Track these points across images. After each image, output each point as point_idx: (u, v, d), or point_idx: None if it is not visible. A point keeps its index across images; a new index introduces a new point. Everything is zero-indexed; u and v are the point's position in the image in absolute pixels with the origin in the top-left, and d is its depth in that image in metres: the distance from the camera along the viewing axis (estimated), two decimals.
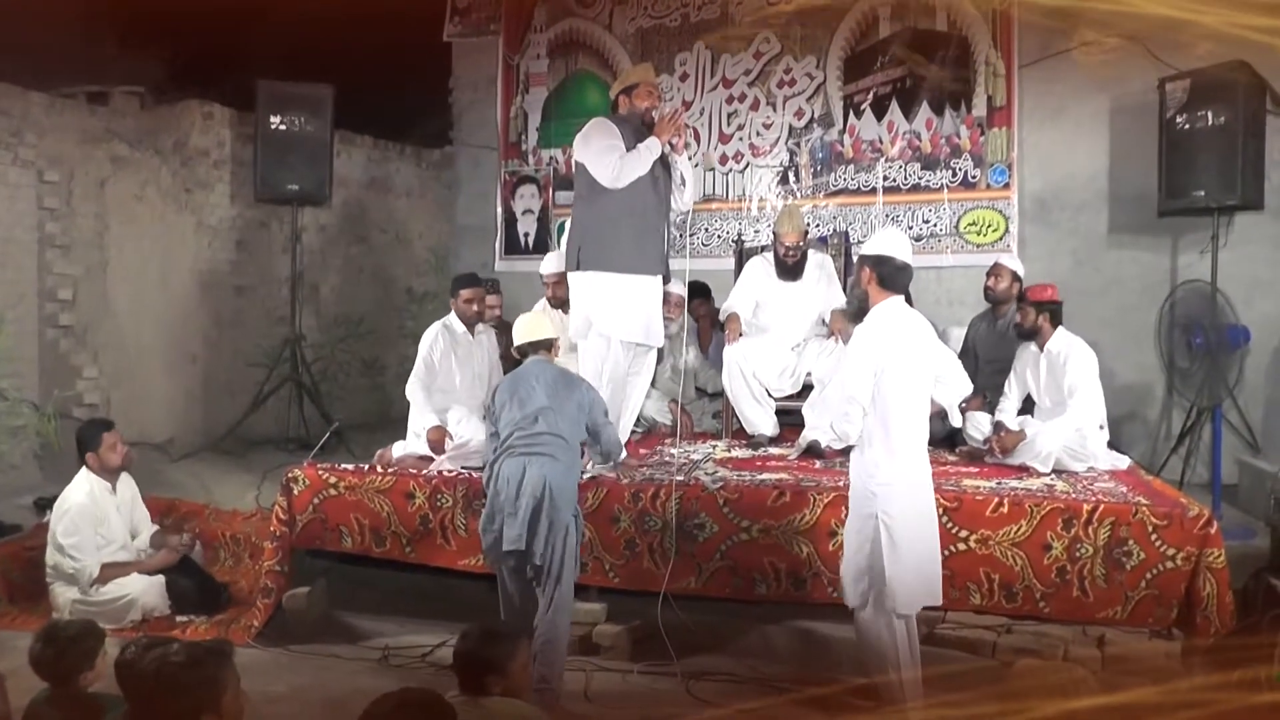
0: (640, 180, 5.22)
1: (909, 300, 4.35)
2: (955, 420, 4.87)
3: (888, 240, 4.17)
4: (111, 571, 5.23)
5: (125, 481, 5.52)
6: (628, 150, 5.17)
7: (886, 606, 3.94)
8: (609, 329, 5.19)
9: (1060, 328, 5.58)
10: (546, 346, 4.68)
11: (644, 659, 4.74)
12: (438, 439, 5.38)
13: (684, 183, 5.45)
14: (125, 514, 5.49)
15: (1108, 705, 2.85)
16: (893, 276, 4.08)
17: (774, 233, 6.39)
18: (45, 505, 6.03)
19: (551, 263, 6.41)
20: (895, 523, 3.94)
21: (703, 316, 7.05)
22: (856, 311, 4.25)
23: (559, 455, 4.38)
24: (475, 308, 5.83)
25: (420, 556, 5.17)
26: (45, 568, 5.28)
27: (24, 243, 6.62)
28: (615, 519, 4.92)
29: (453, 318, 5.81)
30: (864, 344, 4.04)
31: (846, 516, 4.27)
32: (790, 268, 6.21)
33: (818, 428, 5.74)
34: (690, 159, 5.84)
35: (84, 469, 5.36)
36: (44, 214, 6.73)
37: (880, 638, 3.98)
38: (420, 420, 5.50)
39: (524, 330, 4.69)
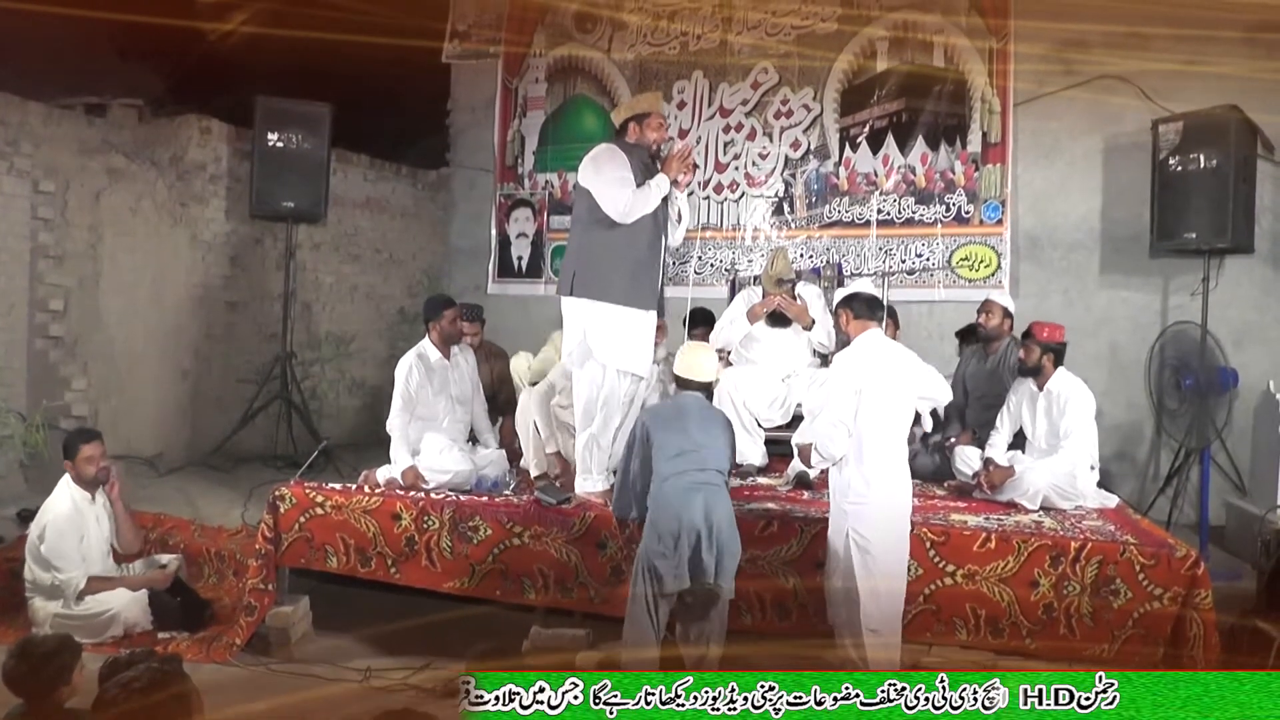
0: None
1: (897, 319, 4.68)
2: (926, 424, 5.03)
3: (853, 285, 4.81)
4: (98, 585, 5.18)
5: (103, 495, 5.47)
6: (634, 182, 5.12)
7: (859, 621, 4.19)
8: (605, 357, 5.14)
9: (1061, 368, 5.59)
10: (706, 388, 4.78)
11: None
12: (413, 482, 5.42)
13: (680, 219, 5.36)
14: (105, 526, 5.43)
15: None
16: (865, 307, 4.55)
17: (762, 286, 6.39)
18: (28, 517, 5.97)
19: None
20: (866, 541, 4.23)
21: None
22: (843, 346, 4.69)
23: (723, 489, 4.45)
24: (458, 326, 5.88)
25: (405, 578, 5.14)
26: (25, 581, 5.22)
27: (16, 252, 6.59)
28: (602, 544, 4.90)
29: (427, 344, 5.80)
30: (845, 366, 4.44)
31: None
32: (778, 316, 6.21)
33: None
34: (687, 191, 5.83)
35: (65, 477, 5.33)
36: (38, 224, 6.69)
37: (849, 650, 4.21)
38: (398, 459, 5.53)
39: (689, 367, 4.70)
